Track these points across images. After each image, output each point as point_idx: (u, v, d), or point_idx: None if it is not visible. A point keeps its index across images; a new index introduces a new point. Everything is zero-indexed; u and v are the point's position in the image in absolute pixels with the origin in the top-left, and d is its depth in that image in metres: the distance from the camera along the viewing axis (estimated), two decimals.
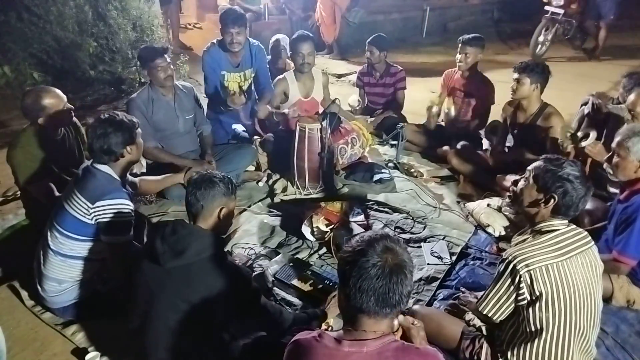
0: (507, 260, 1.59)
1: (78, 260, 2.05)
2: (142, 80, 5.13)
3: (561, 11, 7.22)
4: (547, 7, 7.34)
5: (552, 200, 1.61)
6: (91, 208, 1.95)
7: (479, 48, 3.66)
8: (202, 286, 1.55)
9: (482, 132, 3.93)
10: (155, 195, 3.14)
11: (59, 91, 2.52)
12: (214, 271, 1.57)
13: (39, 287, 2.10)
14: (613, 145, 2.14)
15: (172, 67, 2.97)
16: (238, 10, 3.33)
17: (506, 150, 3.47)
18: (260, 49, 3.57)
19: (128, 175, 2.33)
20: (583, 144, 2.61)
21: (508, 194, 1.85)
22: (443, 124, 4.07)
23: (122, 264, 2.05)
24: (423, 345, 1.51)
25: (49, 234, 2.05)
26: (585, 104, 3.54)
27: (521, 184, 1.73)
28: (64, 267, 2.04)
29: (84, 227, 1.99)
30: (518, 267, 1.55)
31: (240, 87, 3.50)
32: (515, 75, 3.03)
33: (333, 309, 2.10)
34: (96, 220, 1.97)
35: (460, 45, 3.66)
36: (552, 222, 1.64)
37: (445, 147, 3.70)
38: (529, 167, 1.73)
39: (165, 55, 2.91)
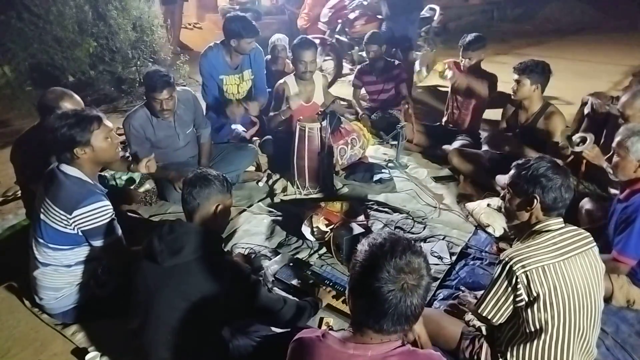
0: (503, 262, 1.59)
1: (70, 267, 2.02)
2: (142, 80, 5.12)
3: (327, 29, 5.50)
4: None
5: (535, 200, 1.62)
6: (70, 218, 1.89)
7: (481, 49, 3.62)
8: (201, 283, 1.55)
9: (481, 132, 3.93)
10: (155, 197, 3.17)
11: (78, 98, 2.49)
12: (211, 268, 1.58)
13: (35, 296, 2.08)
14: (613, 145, 2.14)
15: (172, 100, 2.80)
16: (251, 20, 3.26)
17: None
18: (259, 52, 3.55)
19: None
20: (578, 148, 2.59)
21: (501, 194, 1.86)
22: (443, 123, 4.08)
23: (119, 261, 2.05)
24: (428, 345, 1.54)
25: (34, 247, 2.00)
26: (585, 104, 3.54)
27: (507, 197, 1.75)
28: (57, 276, 2.01)
29: (67, 237, 1.94)
30: (514, 268, 1.55)
31: (238, 99, 3.48)
32: (515, 77, 3.02)
33: (325, 297, 2.16)
34: (78, 229, 1.92)
35: (461, 50, 3.62)
36: (547, 222, 1.64)
37: (446, 146, 3.68)
38: (506, 182, 1.76)
39: (166, 90, 2.72)
